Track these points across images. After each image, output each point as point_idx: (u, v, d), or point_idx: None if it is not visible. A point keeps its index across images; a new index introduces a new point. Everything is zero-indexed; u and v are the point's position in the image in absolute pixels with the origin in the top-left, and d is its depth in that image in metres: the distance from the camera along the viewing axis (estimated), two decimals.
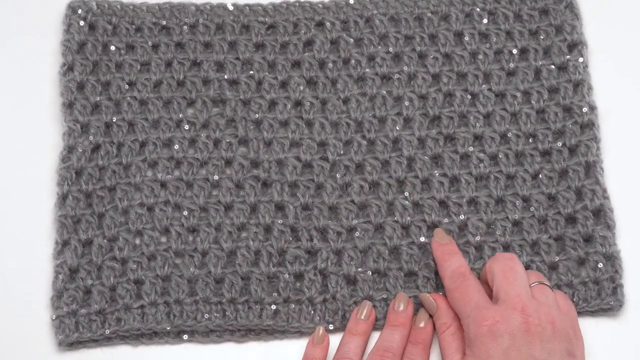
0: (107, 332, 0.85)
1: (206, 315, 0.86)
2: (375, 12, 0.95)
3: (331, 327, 0.86)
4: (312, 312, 0.86)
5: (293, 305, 0.86)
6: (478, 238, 0.88)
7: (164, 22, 0.95)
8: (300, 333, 0.87)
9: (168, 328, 0.86)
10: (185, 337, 0.86)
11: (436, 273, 0.87)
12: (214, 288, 0.87)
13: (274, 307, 0.86)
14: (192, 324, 0.85)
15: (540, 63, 0.93)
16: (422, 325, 0.85)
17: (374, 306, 0.86)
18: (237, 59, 0.94)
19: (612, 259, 0.87)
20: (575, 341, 0.79)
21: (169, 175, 0.90)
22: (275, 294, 0.86)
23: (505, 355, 0.76)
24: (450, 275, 0.83)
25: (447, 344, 0.82)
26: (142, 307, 0.86)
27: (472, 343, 0.78)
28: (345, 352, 0.84)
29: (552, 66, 0.93)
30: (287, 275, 0.87)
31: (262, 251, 0.87)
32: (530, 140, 0.91)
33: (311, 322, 0.86)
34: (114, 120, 0.92)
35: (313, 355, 0.84)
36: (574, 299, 0.86)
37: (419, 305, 0.86)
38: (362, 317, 0.85)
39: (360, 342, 0.84)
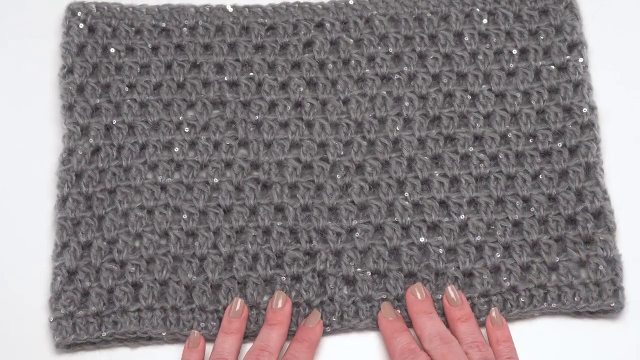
0: (104, 334, 0.85)
1: (202, 324, 0.85)
2: (375, 12, 0.95)
3: (328, 329, 0.86)
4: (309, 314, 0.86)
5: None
6: (478, 238, 0.87)
7: (164, 24, 0.95)
8: None
9: (164, 334, 0.85)
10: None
11: (436, 274, 0.87)
12: (210, 296, 0.86)
13: None
14: (189, 333, 0.85)
15: (540, 63, 0.93)
16: (311, 326, 0.84)
17: (372, 306, 0.86)
18: (237, 60, 0.94)
19: (613, 262, 0.86)
20: None
21: (169, 179, 0.90)
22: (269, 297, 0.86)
23: None
24: (400, 352, 0.82)
25: None
26: (138, 310, 0.86)
27: None
28: (220, 352, 0.82)
29: (552, 66, 0.93)
30: (284, 278, 0.87)
31: (260, 254, 0.87)
32: (531, 140, 0.91)
33: None
34: (114, 123, 0.92)
35: (189, 359, 0.83)
36: (575, 299, 0.86)
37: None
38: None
39: (235, 341, 0.83)
